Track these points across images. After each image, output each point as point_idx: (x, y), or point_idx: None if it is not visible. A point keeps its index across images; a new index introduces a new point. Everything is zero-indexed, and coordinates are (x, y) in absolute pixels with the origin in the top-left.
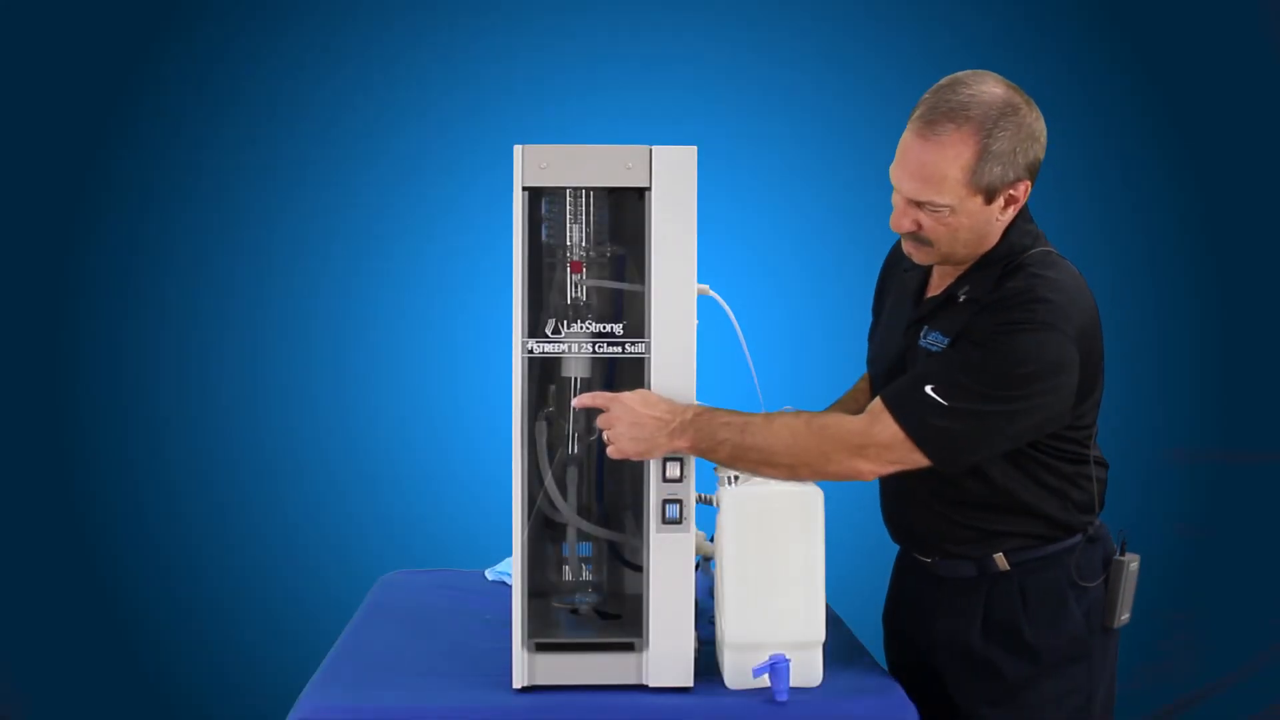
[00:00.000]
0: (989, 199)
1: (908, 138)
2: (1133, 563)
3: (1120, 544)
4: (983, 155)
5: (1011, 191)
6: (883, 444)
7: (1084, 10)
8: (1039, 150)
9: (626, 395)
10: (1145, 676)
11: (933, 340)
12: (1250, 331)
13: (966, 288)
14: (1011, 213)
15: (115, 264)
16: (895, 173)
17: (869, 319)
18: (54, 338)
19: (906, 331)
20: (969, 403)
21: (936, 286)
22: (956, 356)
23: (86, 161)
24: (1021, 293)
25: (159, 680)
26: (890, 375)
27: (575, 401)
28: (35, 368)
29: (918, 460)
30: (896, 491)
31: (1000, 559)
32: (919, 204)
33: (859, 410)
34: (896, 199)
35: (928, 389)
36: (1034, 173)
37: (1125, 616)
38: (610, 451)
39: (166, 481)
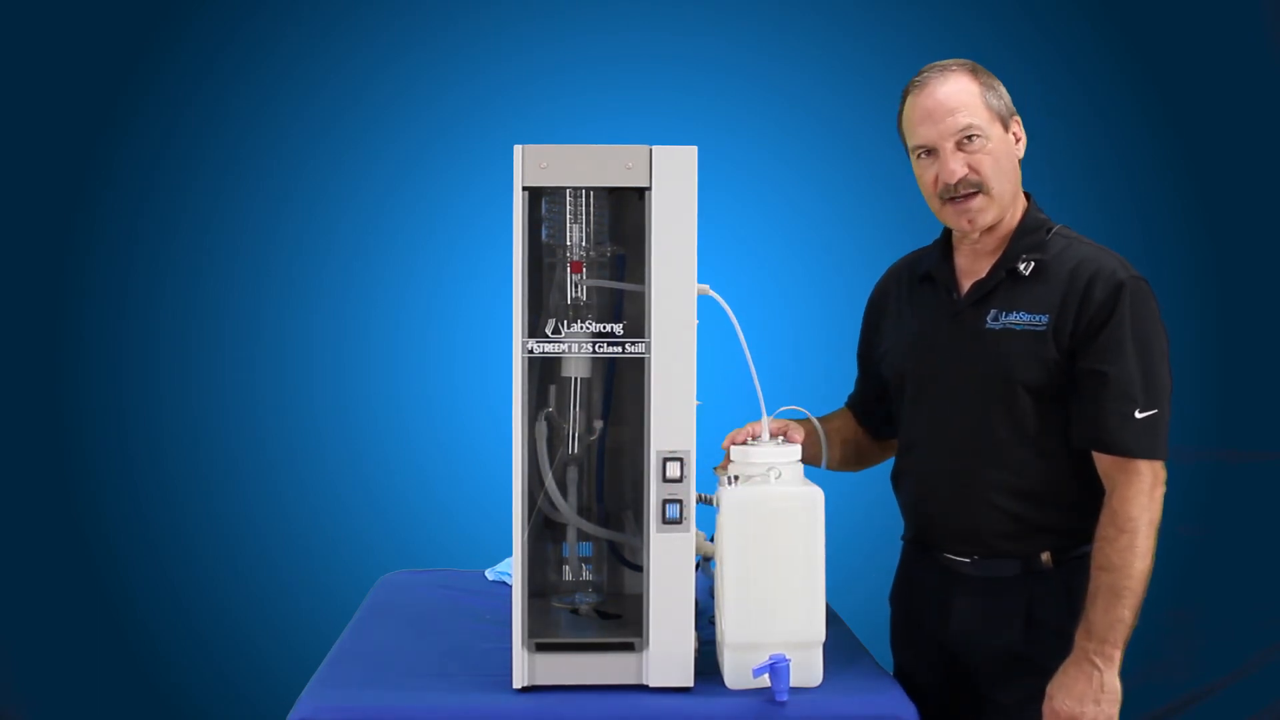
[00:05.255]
0: (1005, 127)
1: (918, 100)
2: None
3: None
4: (982, 84)
5: (1015, 129)
6: (1158, 480)
7: (1084, 10)
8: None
9: (1090, 711)
10: (1145, 676)
11: (1014, 320)
12: (1249, 331)
13: (1023, 257)
14: (1020, 150)
15: (114, 264)
16: (927, 130)
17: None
18: (54, 337)
19: (956, 319)
20: (1160, 387)
21: (976, 273)
22: (1112, 368)
23: (85, 162)
24: (1095, 270)
25: (159, 680)
26: (928, 366)
27: None
28: (35, 367)
29: None
30: (941, 492)
31: (1046, 557)
32: (960, 144)
33: (851, 434)
34: (934, 164)
35: (1138, 415)
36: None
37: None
38: None
39: (166, 481)
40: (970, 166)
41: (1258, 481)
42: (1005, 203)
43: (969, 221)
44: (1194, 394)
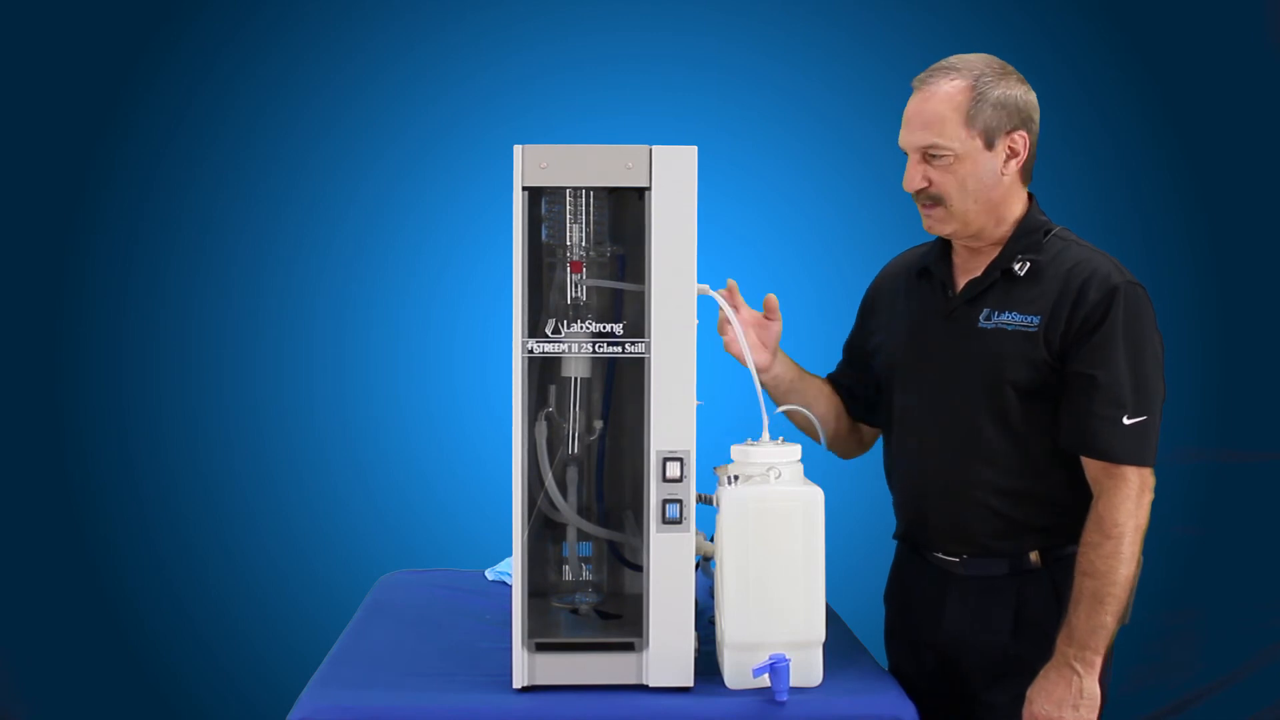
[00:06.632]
0: (989, 144)
1: (910, 100)
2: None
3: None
4: (976, 98)
5: (1010, 144)
6: (1145, 487)
7: (1084, 10)
8: (1033, 111)
9: (1069, 716)
10: (1145, 676)
11: (1006, 320)
12: (1250, 331)
13: (1019, 258)
14: (1014, 167)
15: (114, 264)
16: (902, 135)
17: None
18: (54, 337)
19: (949, 316)
20: (1151, 393)
21: (972, 271)
22: (1102, 372)
23: (85, 162)
24: (1090, 273)
25: (159, 680)
26: (920, 362)
27: None
28: (35, 367)
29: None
30: (930, 489)
31: (1034, 557)
32: (925, 157)
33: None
34: (909, 166)
35: (1126, 421)
36: (1031, 130)
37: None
38: None
39: (166, 481)
40: (929, 179)
41: (1257, 481)
42: (969, 219)
43: (929, 226)
44: (1194, 394)
